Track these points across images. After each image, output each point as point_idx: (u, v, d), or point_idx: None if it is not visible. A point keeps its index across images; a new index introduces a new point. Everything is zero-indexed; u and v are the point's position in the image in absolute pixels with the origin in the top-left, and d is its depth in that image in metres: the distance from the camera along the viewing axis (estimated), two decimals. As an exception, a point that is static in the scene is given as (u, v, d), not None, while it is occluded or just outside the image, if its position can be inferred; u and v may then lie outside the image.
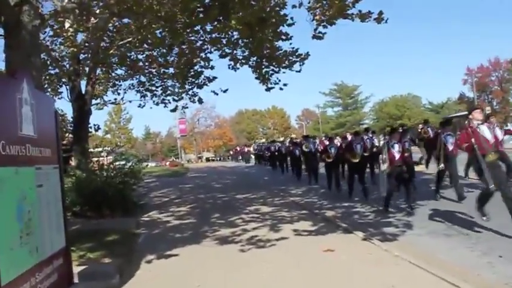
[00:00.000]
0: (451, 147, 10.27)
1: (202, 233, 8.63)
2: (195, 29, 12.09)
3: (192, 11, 9.93)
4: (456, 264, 5.75)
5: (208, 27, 12.20)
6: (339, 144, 15.23)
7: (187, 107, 19.27)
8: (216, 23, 10.84)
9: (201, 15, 10.06)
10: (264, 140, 44.86)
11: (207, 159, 72.51)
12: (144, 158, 15.37)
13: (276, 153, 25.58)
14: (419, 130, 14.83)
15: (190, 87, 17.75)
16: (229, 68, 14.37)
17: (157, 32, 12.29)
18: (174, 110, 18.55)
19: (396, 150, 9.63)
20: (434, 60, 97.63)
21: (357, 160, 11.56)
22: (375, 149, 13.12)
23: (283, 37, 12.33)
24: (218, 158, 72.79)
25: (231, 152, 58.32)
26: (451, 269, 5.47)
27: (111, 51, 13.29)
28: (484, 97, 67.05)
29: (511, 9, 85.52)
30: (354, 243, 7.05)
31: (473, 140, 6.98)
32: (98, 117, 66.88)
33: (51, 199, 4.53)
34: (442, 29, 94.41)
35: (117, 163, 12.16)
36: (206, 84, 17.28)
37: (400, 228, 8.16)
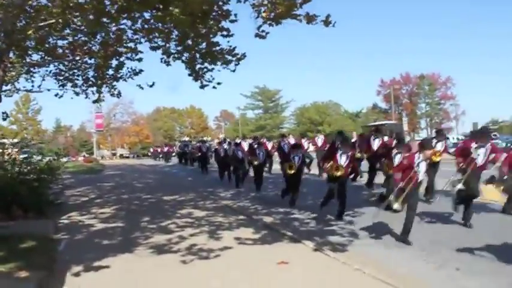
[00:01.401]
0: None
1: (134, 239, 7.75)
2: (132, 15, 11.03)
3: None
4: (419, 278, 5.51)
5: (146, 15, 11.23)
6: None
7: (103, 100, 17.85)
8: (154, 11, 9.92)
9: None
10: (187, 138, 42.05)
11: (121, 156, 69.77)
12: (62, 153, 13.89)
13: (211, 155, 24.09)
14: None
15: (110, 79, 16.54)
16: (161, 61, 13.45)
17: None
18: (96, 101, 17.13)
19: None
20: (352, 70, 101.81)
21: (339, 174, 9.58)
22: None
23: (225, 33, 11.68)
24: (133, 156, 70.30)
25: (151, 150, 56.48)
26: (416, 284, 5.23)
27: (29, 33, 11.79)
28: (395, 108, 70.91)
29: (426, 27, 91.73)
30: (306, 254, 6.57)
31: None
32: (3, 106, 61.71)
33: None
34: (361, 42, 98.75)
35: (34, 158, 10.81)
36: (131, 78, 16.18)
37: (346, 237, 7.83)
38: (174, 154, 41.12)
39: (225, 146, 19.61)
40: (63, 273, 5.76)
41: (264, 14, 9.68)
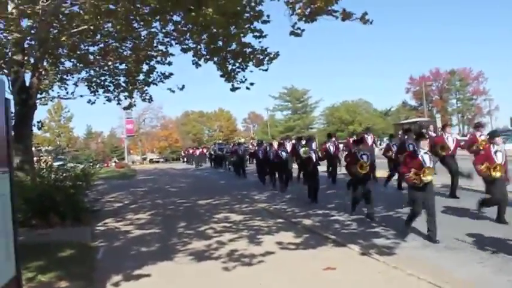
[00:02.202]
0: None
1: (172, 246, 7.57)
2: (165, 17, 10.92)
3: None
4: (478, 284, 5.13)
5: (175, 18, 11.14)
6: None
7: (134, 105, 17.83)
8: (187, 12, 9.79)
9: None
10: (220, 140, 38.99)
11: (151, 161, 70.50)
12: (97, 159, 13.92)
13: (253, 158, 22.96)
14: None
15: (141, 84, 16.57)
16: (192, 63, 13.35)
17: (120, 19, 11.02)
18: (127, 108, 17.24)
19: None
20: (382, 67, 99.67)
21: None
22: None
23: (257, 34, 11.47)
24: (162, 160, 70.83)
25: (183, 153, 54.58)
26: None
27: (63, 39, 11.82)
28: (426, 106, 69.36)
29: (453, 24, 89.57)
30: (353, 259, 6.25)
31: None
32: (36, 115, 63.03)
33: (-3, 216, 3.36)
34: (389, 36, 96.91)
35: (69, 165, 10.81)
36: (162, 81, 16.16)
37: (391, 239, 7.46)
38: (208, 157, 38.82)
39: (265, 147, 18.34)
40: (102, 283, 5.61)
41: (299, 11, 9.42)
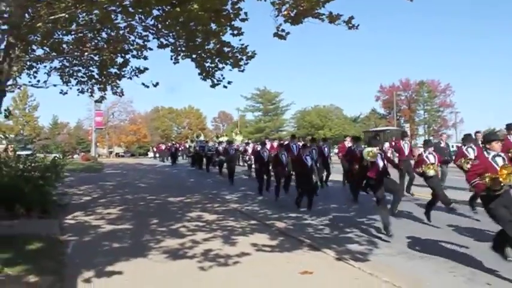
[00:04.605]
0: None
1: (145, 243, 7.41)
2: (147, 9, 10.70)
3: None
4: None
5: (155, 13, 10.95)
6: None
7: (105, 98, 17.44)
8: (172, 6, 9.63)
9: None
10: (202, 138, 34.74)
11: (117, 155, 69.64)
12: (70, 151, 13.47)
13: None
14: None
15: (113, 77, 16.22)
16: (171, 59, 13.19)
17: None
18: (99, 101, 16.84)
19: None
20: (354, 73, 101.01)
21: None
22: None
23: (236, 32, 11.40)
24: (129, 155, 69.99)
25: (155, 149, 52.26)
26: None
27: (39, 25, 11.45)
28: (393, 115, 70.83)
29: (423, 35, 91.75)
30: (329, 263, 6.25)
31: None
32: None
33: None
34: (363, 43, 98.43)
35: (39, 155, 10.47)
36: (136, 75, 15.87)
37: (365, 245, 7.53)
38: (180, 154, 37.98)
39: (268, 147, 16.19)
40: (73, 279, 5.42)
41: (285, 13, 9.38)
